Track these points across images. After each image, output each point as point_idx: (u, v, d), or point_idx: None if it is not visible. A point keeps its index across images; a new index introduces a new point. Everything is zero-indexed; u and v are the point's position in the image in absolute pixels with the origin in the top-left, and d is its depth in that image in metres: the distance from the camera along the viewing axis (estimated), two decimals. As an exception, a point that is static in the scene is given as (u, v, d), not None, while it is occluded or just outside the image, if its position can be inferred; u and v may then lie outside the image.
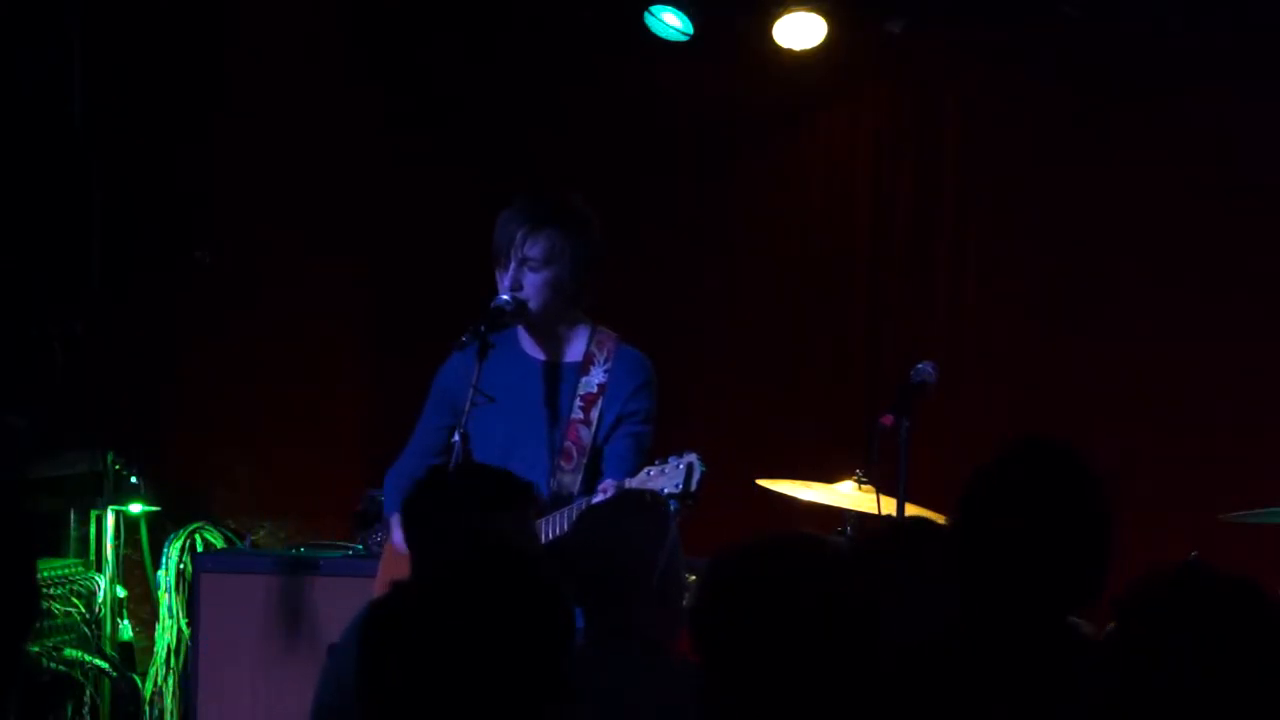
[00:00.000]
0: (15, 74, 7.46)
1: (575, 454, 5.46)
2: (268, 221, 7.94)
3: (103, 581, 7.49)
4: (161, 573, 7.54)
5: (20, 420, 7.25)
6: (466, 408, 5.37)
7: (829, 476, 6.45)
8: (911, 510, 5.83)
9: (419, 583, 3.23)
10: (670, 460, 5.19)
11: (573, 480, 5.49)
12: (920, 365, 5.86)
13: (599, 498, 5.21)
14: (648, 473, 5.22)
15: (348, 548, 6.87)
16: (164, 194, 7.85)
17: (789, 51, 7.82)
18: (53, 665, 7.17)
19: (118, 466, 7.55)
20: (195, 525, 7.61)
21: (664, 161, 8.15)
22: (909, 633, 3.43)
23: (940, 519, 5.73)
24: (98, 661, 7.37)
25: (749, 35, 7.86)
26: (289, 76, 7.94)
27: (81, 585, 7.41)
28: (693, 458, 5.14)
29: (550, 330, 5.61)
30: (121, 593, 7.56)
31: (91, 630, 7.40)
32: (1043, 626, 3.55)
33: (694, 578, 4.51)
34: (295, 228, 7.96)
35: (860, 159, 8.14)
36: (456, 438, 5.35)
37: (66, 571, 7.37)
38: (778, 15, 7.76)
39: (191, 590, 7.06)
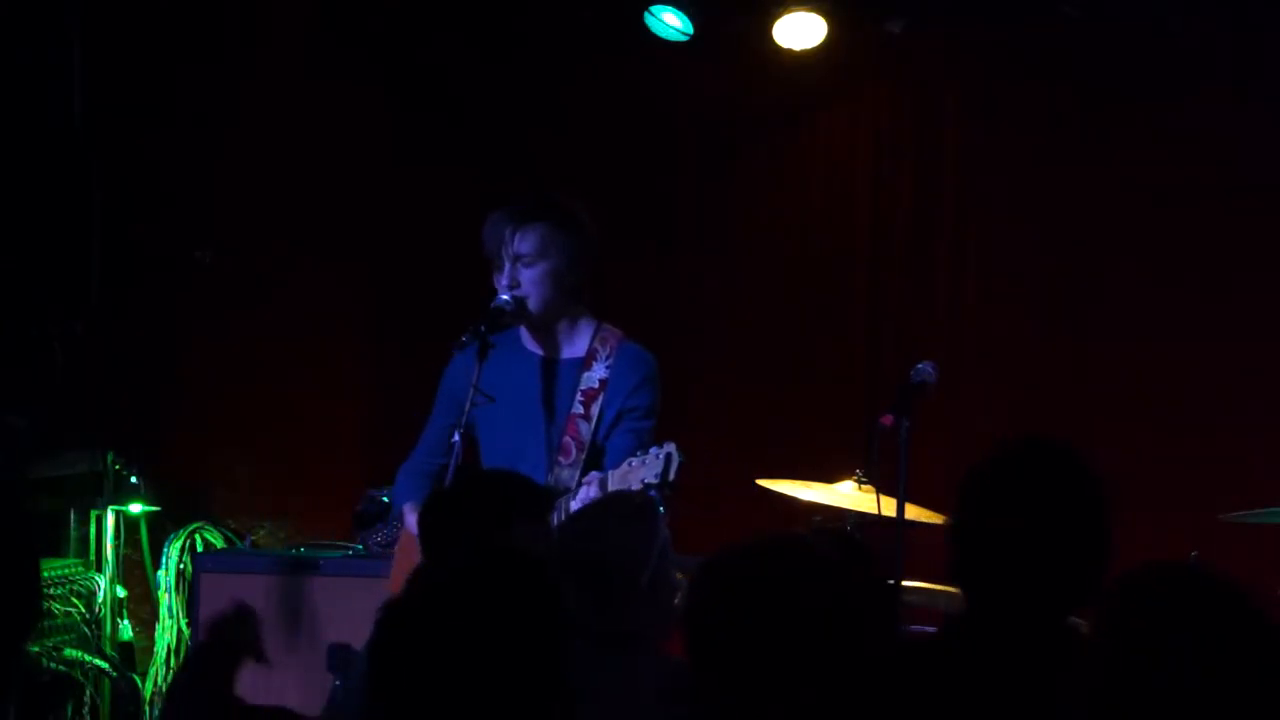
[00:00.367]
0: (15, 74, 7.46)
1: (574, 449, 5.47)
2: (268, 221, 7.94)
3: (103, 581, 7.49)
4: (161, 573, 7.54)
5: (20, 420, 7.25)
6: (466, 407, 5.39)
7: (829, 476, 6.45)
8: (912, 511, 5.83)
9: (426, 586, 3.24)
10: (651, 450, 5.20)
11: (571, 475, 5.50)
12: (920, 365, 5.86)
13: (583, 490, 5.22)
14: (629, 464, 5.23)
15: (348, 548, 6.87)
16: (164, 194, 7.85)
17: (789, 51, 7.81)
18: (53, 665, 7.17)
19: (118, 466, 7.56)
20: (195, 525, 7.62)
21: (664, 161, 8.14)
22: None
23: (936, 519, 5.76)
24: (98, 661, 7.37)
25: (749, 35, 7.86)
26: (289, 76, 7.94)
27: (81, 585, 7.41)
28: (671, 447, 5.15)
29: (552, 327, 5.62)
30: (121, 593, 7.56)
31: (91, 630, 7.40)
32: (1042, 627, 3.55)
33: (681, 576, 4.51)
34: (295, 228, 7.96)
35: (860, 159, 8.14)
36: (456, 437, 5.37)
37: (66, 571, 7.37)
38: (778, 15, 7.76)
39: (191, 590, 7.06)
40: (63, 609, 7.29)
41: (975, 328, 7.98)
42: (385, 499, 6.76)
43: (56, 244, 7.57)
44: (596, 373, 5.56)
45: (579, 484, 5.33)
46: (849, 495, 6.32)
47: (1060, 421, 7.48)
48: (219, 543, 7.58)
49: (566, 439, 5.50)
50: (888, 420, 5.71)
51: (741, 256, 8.21)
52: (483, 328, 5.43)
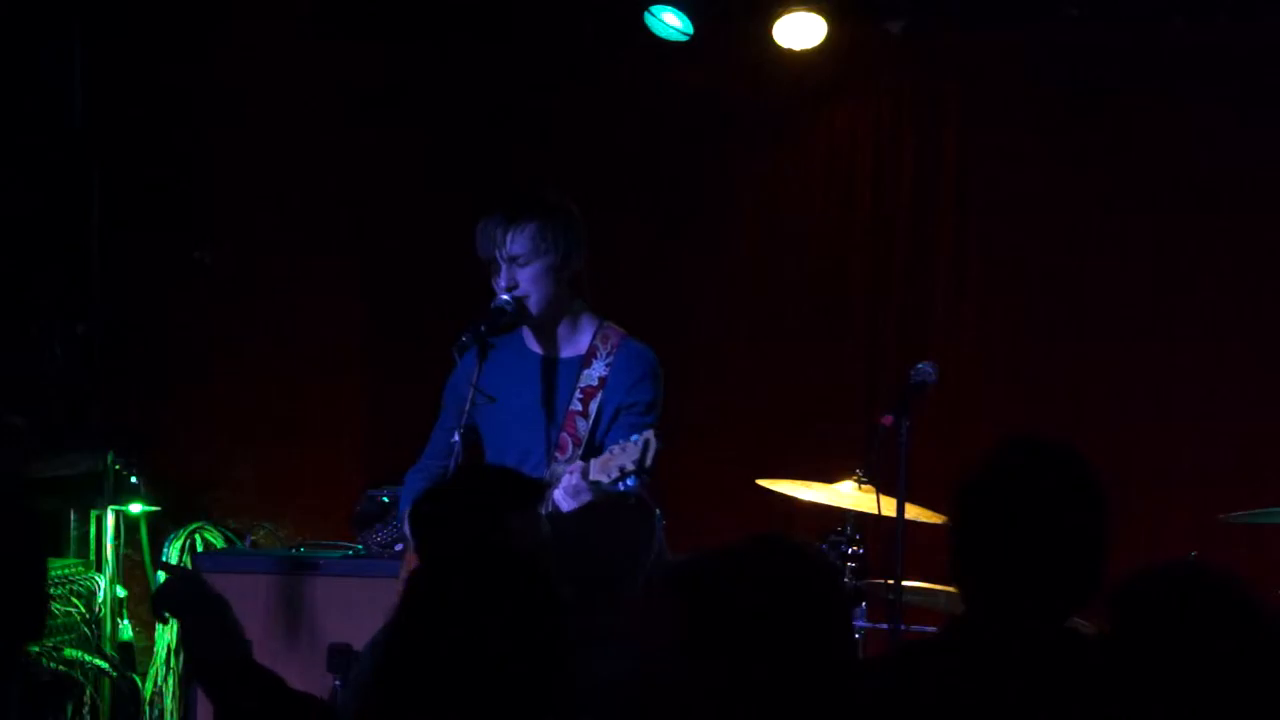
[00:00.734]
0: (15, 74, 7.46)
1: (571, 446, 5.47)
2: (267, 222, 7.94)
3: (103, 581, 7.49)
4: (161, 573, 7.53)
5: (20, 420, 7.25)
6: (466, 407, 5.40)
7: (829, 476, 6.45)
8: (912, 511, 5.84)
9: (422, 587, 3.24)
10: (631, 437, 5.21)
11: None
12: (920, 365, 5.86)
13: (566, 479, 5.21)
14: (610, 451, 5.24)
15: (348, 548, 6.87)
16: (164, 194, 7.85)
17: (789, 51, 7.82)
18: (53, 665, 7.17)
19: (118, 466, 7.56)
20: (195, 525, 7.62)
21: (664, 161, 8.14)
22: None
23: (936, 519, 5.76)
24: (98, 661, 7.37)
25: (749, 35, 7.86)
26: (289, 76, 7.94)
27: (81, 585, 7.41)
28: (649, 434, 5.15)
29: (553, 327, 5.62)
30: (121, 593, 7.56)
31: (91, 630, 7.41)
32: (1042, 627, 3.54)
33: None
34: (295, 228, 7.96)
35: (860, 159, 8.14)
36: (456, 438, 5.37)
37: (66, 571, 7.37)
38: (778, 15, 7.77)
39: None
40: (63, 609, 7.29)
41: (975, 328, 7.98)
42: (385, 499, 6.76)
43: (56, 244, 7.57)
44: (596, 370, 5.56)
45: (563, 473, 5.33)
46: (849, 495, 6.32)
47: (1060, 421, 7.48)
48: (219, 543, 7.58)
49: (564, 436, 5.51)
50: (888, 420, 5.72)
51: (741, 256, 8.21)
52: (482, 328, 5.44)
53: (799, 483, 6.43)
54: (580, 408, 5.53)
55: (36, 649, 7.02)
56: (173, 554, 7.54)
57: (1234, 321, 7.71)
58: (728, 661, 3.15)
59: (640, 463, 5.10)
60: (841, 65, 7.98)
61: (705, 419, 7.95)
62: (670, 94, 8.09)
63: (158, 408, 7.85)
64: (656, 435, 5.15)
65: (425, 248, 7.91)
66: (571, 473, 5.25)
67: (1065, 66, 7.83)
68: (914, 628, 6.05)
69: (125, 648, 7.57)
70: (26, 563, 3.38)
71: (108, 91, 7.66)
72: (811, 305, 8.16)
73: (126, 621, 7.58)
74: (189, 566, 7.34)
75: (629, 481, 5.11)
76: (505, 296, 5.53)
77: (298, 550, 6.99)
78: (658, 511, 5.07)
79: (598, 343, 5.60)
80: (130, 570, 7.63)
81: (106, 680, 7.43)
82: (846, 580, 6.21)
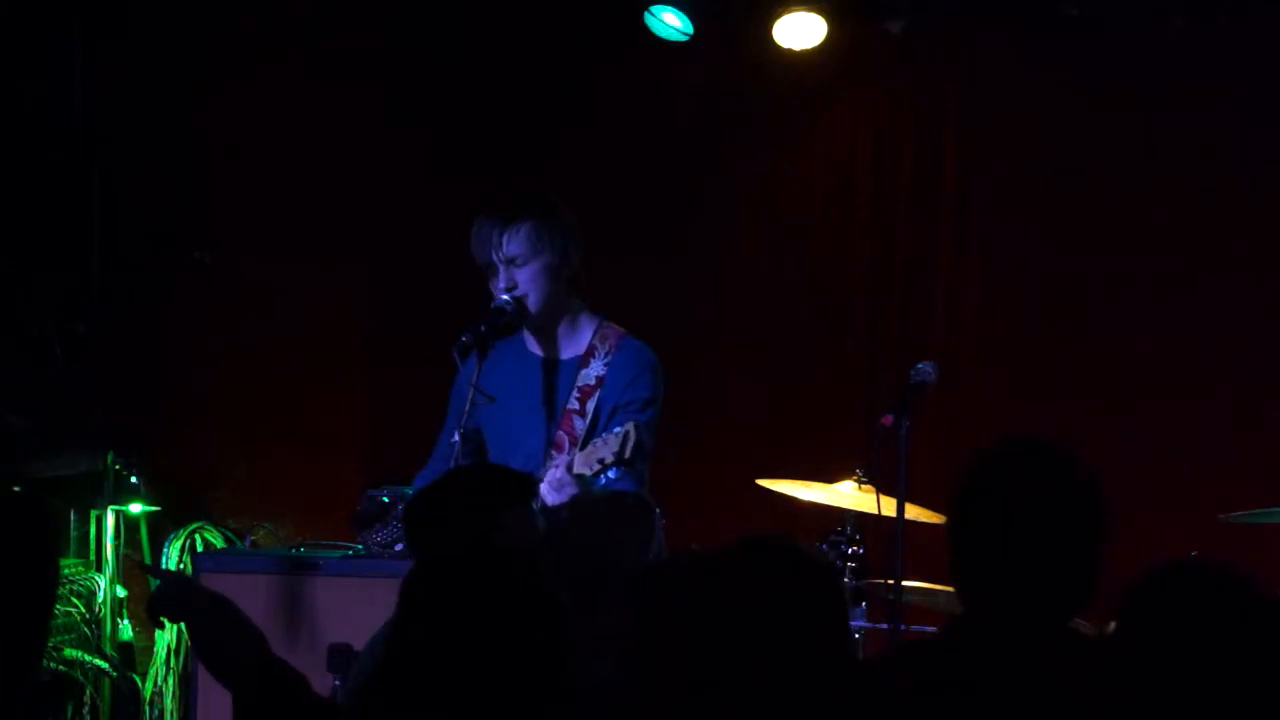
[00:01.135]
0: (15, 74, 7.46)
1: (567, 444, 5.47)
2: (267, 222, 7.94)
3: (103, 581, 7.49)
4: (153, 578, 7.54)
5: (20, 420, 7.25)
6: (467, 408, 5.39)
7: (829, 476, 6.45)
8: (912, 510, 5.84)
9: (418, 587, 3.24)
10: (612, 429, 5.21)
11: None
12: (920, 365, 5.86)
13: (551, 473, 5.22)
14: (593, 444, 5.24)
15: (348, 548, 6.86)
16: (164, 194, 7.85)
17: (789, 51, 7.82)
18: (53, 665, 7.17)
19: (118, 466, 7.56)
20: (195, 525, 7.62)
21: (664, 161, 8.14)
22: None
23: (936, 519, 5.75)
24: (98, 661, 7.37)
25: (749, 35, 7.86)
26: (289, 77, 7.94)
27: (81, 585, 7.41)
28: (629, 425, 5.15)
29: (553, 327, 5.63)
30: (121, 593, 7.56)
31: (91, 630, 7.41)
32: (1041, 627, 3.54)
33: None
34: (295, 228, 7.96)
35: (860, 159, 8.14)
36: (455, 438, 5.37)
37: (66, 571, 7.37)
38: (778, 15, 7.77)
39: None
40: (63, 609, 7.29)
41: (975, 328, 7.98)
42: (385, 499, 6.75)
43: (56, 244, 7.57)
44: (594, 369, 5.56)
45: (549, 467, 5.33)
46: (849, 495, 6.33)
47: (1060, 421, 7.48)
48: (219, 543, 7.58)
49: (561, 434, 5.51)
50: (888, 420, 5.71)
51: (741, 256, 8.21)
52: (482, 329, 5.44)
53: (799, 483, 6.43)
54: (577, 406, 5.54)
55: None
56: (173, 554, 7.54)
57: (1234, 321, 7.71)
58: (727, 662, 3.15)
59: (619, 454, 5.09)
60: (841, 65, 7.98)
61: (705, 419, 7.94)
62: (670, 94, 8.09)
63: (158, 408, 7.84)
64: (639, 428, 5.15)
65: (426, 248, 7.91)
66: (556, 466, 5.26)
67: (1065, 66, 7.83)
68: (914, 628, 6.05)
69: (125, 648, 7.57)
70: (37, 540, 3.40)
71: (108, 91, 7.66)
72: (811, 305, 8.16)
73: (126, 621, 7.58)
74: (172, 569, 7.35)
75: (610, 474, 5.11)
76: (505, 297, 5.53)
77: (298, 550, 6.97)
78: (658, 511, 5.07)
79: (596, 342, 5.60)
80: (130, 570, 7.63)
81: (106, 680, 7.43)
82: (846, 580, 6.21)
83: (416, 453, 5.87)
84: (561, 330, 5.64)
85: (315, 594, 6.65)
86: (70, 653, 7.26)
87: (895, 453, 5.69)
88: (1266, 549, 6.99)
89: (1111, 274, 7.87)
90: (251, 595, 6.64)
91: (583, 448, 5.43)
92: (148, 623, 7.25)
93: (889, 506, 5.77)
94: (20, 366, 7.42)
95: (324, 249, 8.01)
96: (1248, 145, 7.67)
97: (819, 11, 7.74)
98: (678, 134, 8.15)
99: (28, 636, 3.32)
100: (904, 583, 5.80)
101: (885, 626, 6.19)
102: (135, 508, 7.60)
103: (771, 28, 7.78)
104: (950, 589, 3.72)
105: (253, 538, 7.51)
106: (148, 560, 7.60)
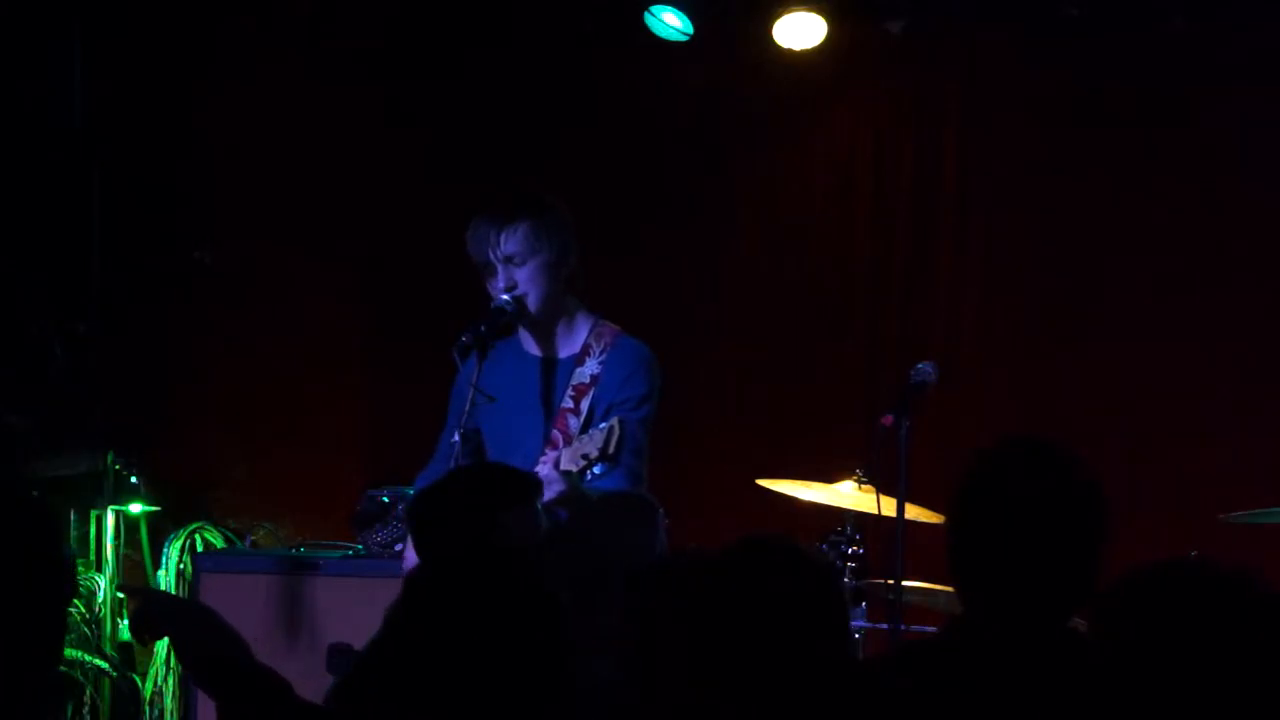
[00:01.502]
0: (15, 74, 7.46)
1: (561, 442, 5.47)
2: (267, 222, 7.94)
3: (103, 581, 7.49)
4: (161, 573, 7.54)
5: (20, 420, 7.25)
6: (467, 408, 5.40)
7: (829, 476, 6.45)
8: (912, 510, 5.84)
9: (420, 587, 3.24)
10: (599, 425, 5.21)
11: None
12: (920, 365, 5.86)
13: (537, 468, 5.22)
14: (580, 440, 5.25)
15: (348, 548, 6.87)
16: (164, 194, 7.85)
17: (789, 51, 7.82)
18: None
19: (118, 466, 7.56)
20: (195, 525, 7.62)
21: (663, 161, 8.14)
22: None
23: (936, 519, 5.75)
24: (98, 661, 7.37)
25: (749, 35, 7.86)
26: (289, 76, 7.94)
27: (82, 585, 7.40)
28: (614, 421, 5.16)
29: (551, 327, 5.63)
30: (121, 593, 7.56)
31: (91, 630, 7.41)
32: (1040, 628, 3.54)
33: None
34: (295, 228, 7.96)
35: (860, 159, 8.14)
36: (455, 438, 5.37)
37: (67, 572, 7.36)
38: (778, 15, 7.76)
39: (191, 590, 7.06)
40: (63, 609, 7.28)
41: (975, 328, 7.98)
42: (385, 499, 6.76)
43: (56, 244, 7.57)
44: (589, 368, 5.57)
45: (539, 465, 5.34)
46: (849, 495, 6.32)
47: (1060, 421, 7.49)
48: (219, 543, 7.58)
49: (555, 433, 5.52)
50: (888, 420, 5.72)
51: (741, 256, 8.21)
52: (482, 328, 5.44)
53: (799, 483, 6.43)
54: (572, 405, 5.54)
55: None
56: (173, 554, 7.54)
57: (1234, 321, 7.70)
58: (727, 662, 3.15)
59: (604, 449, 5.10)
60: (841, 65, 7.98)
61: (705, 419, 7.95)
62: (670, 94, 8.09)
63: (158, 408, 7.84)
64: (626, 423, 5.15)
65: (426, 248, 7.91)
66: (544, 463, 5.27)
67: (1065, 66, 7.83)
68: (914, 628, 6.05)
69: (125, 648, 7.57)
70: (46, 536, 3.41)
71: (108, 91, 7.66)
72: (811, 305, 8.16)
73: (126, 621, 7.58)
74: (153, 586, 7.37)
75: (596, 469, 5.12)
76: (505, 297, 5.54)
77: (298, 550, 6.98)
78: (661, 511, 5.06)
79: (591, 340, 5.60)
80: (130, 570, 7.63)
81: (106, 680, 7.44)
82: (846, 580, 6.21)
83: (416, 453, 5.87)
84: (559, 329, 5.64)
85: (315, 594, 6.65)
86: (70, 653, 7.26)
87: (895, 453, 5.69)
88: (1266, 549, 6.98)
89: (1111, 274, 7.86)
90: (251, 595, 6.66)
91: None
92: (134, 640, 7.26)
93: (889, 506, 5.77)
94: (20, 366, 7.42)
95: (324, 249, 8.01)
96: (1248, 145, 7.67)
97: (819, 11, 7.74)
98: (678, 134, 8.15)
99: (37, 639, 3.33)
100: (904, 583, 5.80)
101: (885, 626, 6.19)
102: (135, 508, 7.60)
103: (771, 28, 7.78)
104: (950, 589, 3.72)
105: (253, 538, 7.52)
106: (147, 560, 7.61)
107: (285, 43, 7.96)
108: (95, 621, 7.43)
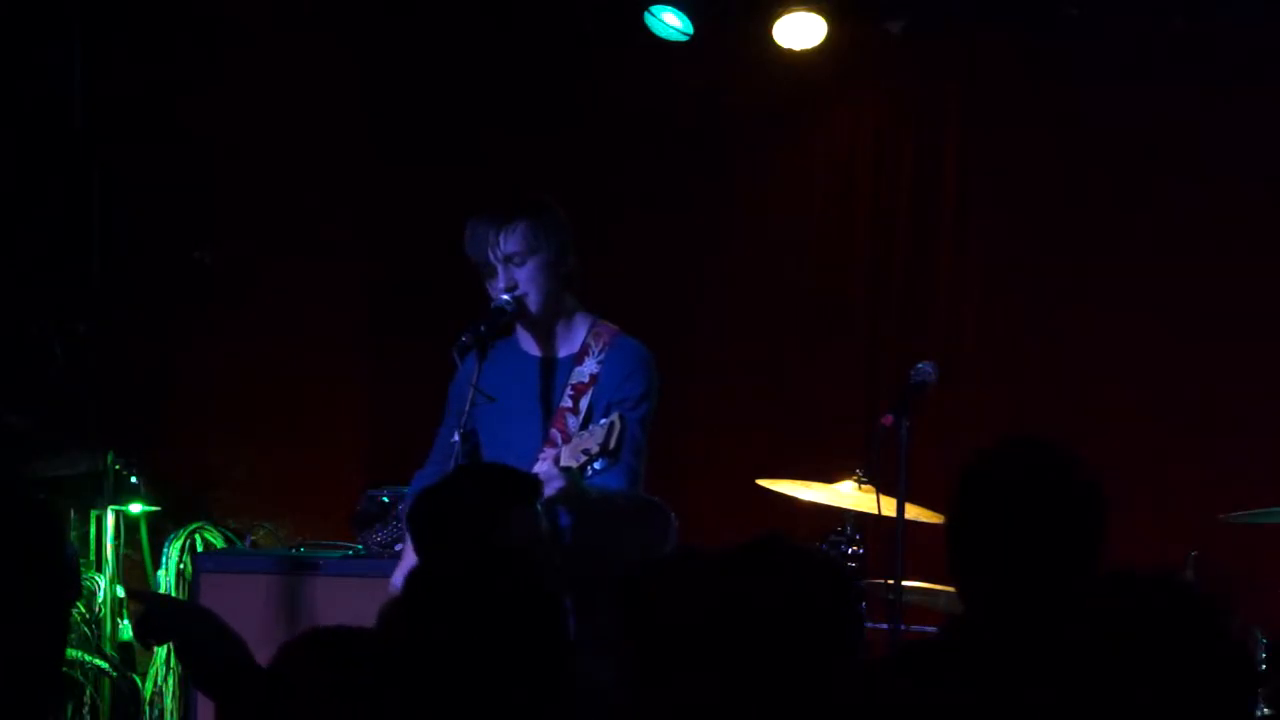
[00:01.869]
0: (15, 74, 7.46)
1: (559, 441, 5.47)
2: (268, 222, 7.94)
3: (103, 581, 7.49)
4: (161, 573, 7.54)
5: (20, 420, 7.25)
6: (466, 407, 5.40)
7: (829, 476, 6.45)
8: (912, 510, 5.84)
9: (421, 586, 3.24)
10: (600, 421, 5.22)
11: None
12: (920, 365, 5.87)
13: (537, 465, 5.22)
14: (579, 436, 5.25)
15: (348, 548, 6.87)
16: (164, 195, 7.85)
17: (789, 51, 7.82)
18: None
19: (118, 466, 7.56)
20: (195, 525, 7.62)
21: (663, 161, 8.15)
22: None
23: (936, 519, 5.76)
24: (98, 661, 7.37)
25: (749, 35, 7.87)
26: (289, 76, 7.94)
27: (82, 585, 7.41)
28: (615, 416, 5.16)
29: (550, 327, 5.63)
30: (121, 593, 7.56)
31: (91, 630, 7.41)
32: (1040, 627, 3.54)
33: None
34: (295, 228, 7.96)
35: (860, 159, 8.14)
36: (455, 438, 5.37)
37: (67, 572, 7.36)
38: (778, 15, 7.77)
39: (191, 590, 7.05)
40: (63, 609, 7.28)
41: (975, 328, 7.98)
42: (385, 499, 6.76)
43: (56, 244, 7.57)
44: (588, 368, 5.57)
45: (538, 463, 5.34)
46: (849, 495, 6.33)
47: (1060, 421, 7.49)
48: (219, 543, 7.58)
49: (554, 432, 5.52)
50: (888, 420, 5.72)
51: (741, 256, 8.21)
52: (482, 328, 5.45)
53: (799, 483, 6.44)
54: (571, 404, 5.54)
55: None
56: (173, 554, 7.54)
57: (1234, 321, 7.71)
58: (727, 662, 3.15)
59: (605, 445, 5.10)
60: (841, 65, 7.98)
61: (705, 419, 7.95)
62: (670, 94, 8.09)
63: (158, 408, 7.84)
64: (625, 420, 5.16)
65: (426, 249, 7.91)
66: (544, 460, 5.27)
67: (1065, 66, 7.83)
68: (914, 628, 6.05)
69: (125, 648, 7.57)
70: (49, 537, 3.41)
71: (108, 91, 7.66)
72: (811, 305, 8.16)
73: (126, 621, 7.58)
74: (159, 591, 7.37)
75: (597, 464, 5.12)
76: (505, 297, 5.54)
77: (298, 550, 6.98)
78: (673, 516, 5.07)
79: (590, 340, 5.60)
80: (130, 570, 7.63)
81: (106, 680, 7.43)
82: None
83: (416, 453, 5.87)
84: (558, 329, 5.64)
85: (315, 594, 6.65)
86: (70, 653, 7.26)
87: (895, 453, 5.70)
88: (1266, 549, 6.99)
89: (1111, 274, 7.87)
90: (251, 595, 6.66)
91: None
92: (140, 646, 7.27)
93: (889, 506, 5.78)
94: (20, 366, 7.42)
95: (324, 249, 8.01)
96: (1249, 143, 7.67)
97: (819, 11, 7.74)
98: (678, 134, 8.16)
99: (39, 639, 3.33)
100: (904, 583, 5.81)
101: (885, 626, 6.19)
102: (135, 508, 7.60)
103: (771, 28, 7.79)
104: (950, 589, 3.72)
105: (253, 538, 7.51)
106: (147, 560, 7.61)
107: (285, 43, 7.96)
108: (95, 621, 7.42)
